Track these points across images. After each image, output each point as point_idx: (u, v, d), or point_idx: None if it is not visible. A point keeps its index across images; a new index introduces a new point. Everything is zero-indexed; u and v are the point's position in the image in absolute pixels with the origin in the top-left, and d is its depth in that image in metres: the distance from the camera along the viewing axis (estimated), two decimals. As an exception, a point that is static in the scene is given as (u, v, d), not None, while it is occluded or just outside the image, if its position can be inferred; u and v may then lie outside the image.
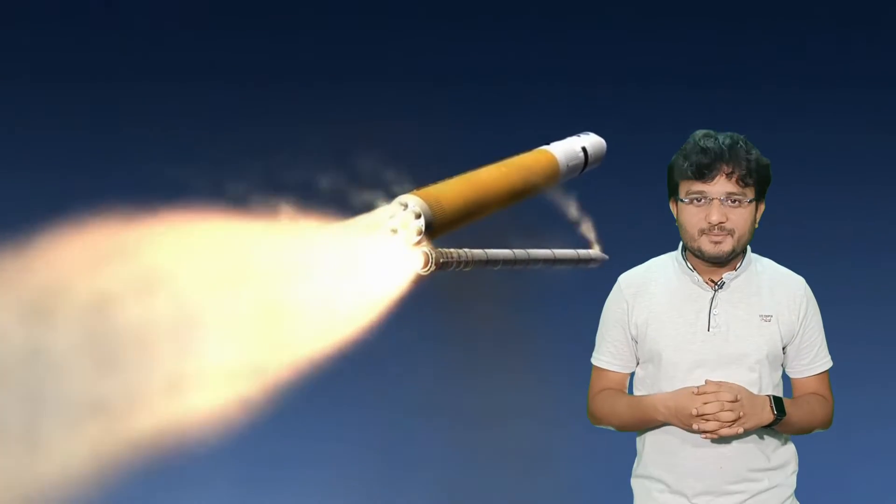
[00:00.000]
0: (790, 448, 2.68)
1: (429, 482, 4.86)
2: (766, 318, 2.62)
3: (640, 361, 2.70)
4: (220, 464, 4.64)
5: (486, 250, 2.34)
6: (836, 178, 5.13)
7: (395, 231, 1.63)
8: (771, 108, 4.94)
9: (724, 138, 2.53)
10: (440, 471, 4.91)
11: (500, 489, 4.78)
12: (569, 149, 2.09)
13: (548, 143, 2.08)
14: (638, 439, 2.72)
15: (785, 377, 2.73)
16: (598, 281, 3.27)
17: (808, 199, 4.96)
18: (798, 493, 2.69)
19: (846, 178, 5.13)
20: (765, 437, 2.60)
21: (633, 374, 2.77)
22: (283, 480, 4.87)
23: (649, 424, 2.63)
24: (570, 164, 2.08)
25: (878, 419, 4.83)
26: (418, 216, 1.62)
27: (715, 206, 2.51)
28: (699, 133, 2.56)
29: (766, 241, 2.83)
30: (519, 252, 2.52)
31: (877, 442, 4.77)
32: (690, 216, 2.55)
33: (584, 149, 2.13)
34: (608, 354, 2.69)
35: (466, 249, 2.24)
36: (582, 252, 3.16)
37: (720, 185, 2.51)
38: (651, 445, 2.67)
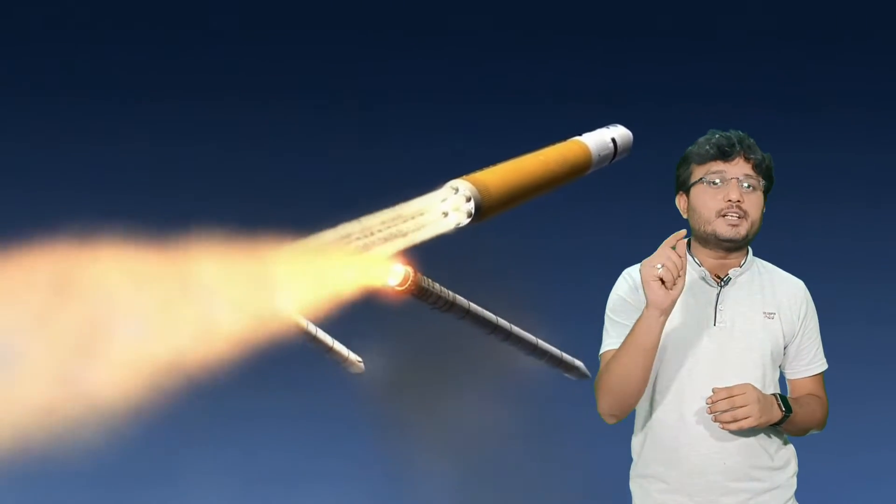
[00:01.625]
0: (790, 449, 2.71)
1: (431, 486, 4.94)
2: (770, 315, 2.66)
3: None
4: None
5: (471, 303, 2.39)
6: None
7: (446, 214, 1.74)
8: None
9: (738, 132, 2.64)
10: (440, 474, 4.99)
11: (495, 495, 4.84)
12: (600, 139, 2.20)
13: (580, 134, 2.19)
14: (635, 439, 2.73)
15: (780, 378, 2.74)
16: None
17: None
18: (798, 494, 2.70)
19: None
20: (768, 435, 2.63)
21: None
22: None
23: (642, 336, 2.50)
24: (601, 153, 2.18)
25: (877, 419, 4.92)
26: (468, 199, 1.73)
27: (733, 185, 2.58)
28: (710, 131, 2.65)
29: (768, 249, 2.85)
30: (503, 322, 2.56)
31: (877, 442, 4.86)
32: (707, 198, 2.60)
33: (613, 139, 2.24)
34: (620, 337, 2.61)
35: (452, 292, 2.30)
36: (567, 356, 3.10)
37: (739, 167, 2.60)
38: (651, 443, 2.67)
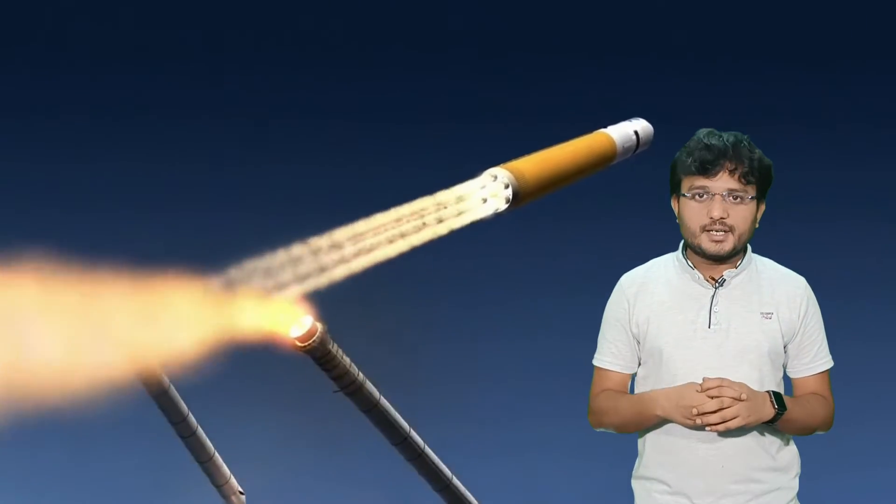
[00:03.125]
0: (793, 449, 2.70)
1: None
2: (767, 315, 2.65)
3: (641, 361, 2.72)
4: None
5: (382, 398, 2.04)
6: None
7: (485, 200, 1.83)
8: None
9: (728, 136, 2.60)
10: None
11: (496, 489, 4.89)
12: (623, 132, 2.28)
13: (605, 127, 2.27)
14: (639, 440, 2.75)
15: (786, 380, 2.74)
16: None
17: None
18: (801, 495, 2.72)
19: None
20: (767, 436, 2.63)
21: (634, 375, 2.78)
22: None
23: (648, 421, 2.65)
24: (625, 145, 2.26)
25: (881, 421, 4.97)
26: (507, 186, 1.82)
27: (717, 201, 2.57)
28: (703, 131, 2.63)
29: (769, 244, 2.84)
30: (416, 437, 2.14)
31: (878, 445, 4.91)
32: (692, 212, 2.61)
33: (636, 132, 2.31)
34: (610, 355, 2.72)
35: (364, 377, 1.99)
36: None
37: (722, 181, 2.57)
38: (652, 445, 2.69)
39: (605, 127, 2.25)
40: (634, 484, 2.78)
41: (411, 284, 4.61)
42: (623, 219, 5.03)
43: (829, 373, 2.76)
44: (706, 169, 2.58)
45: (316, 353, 1.85)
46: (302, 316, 1.80)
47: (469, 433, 5.10)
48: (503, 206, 1.82)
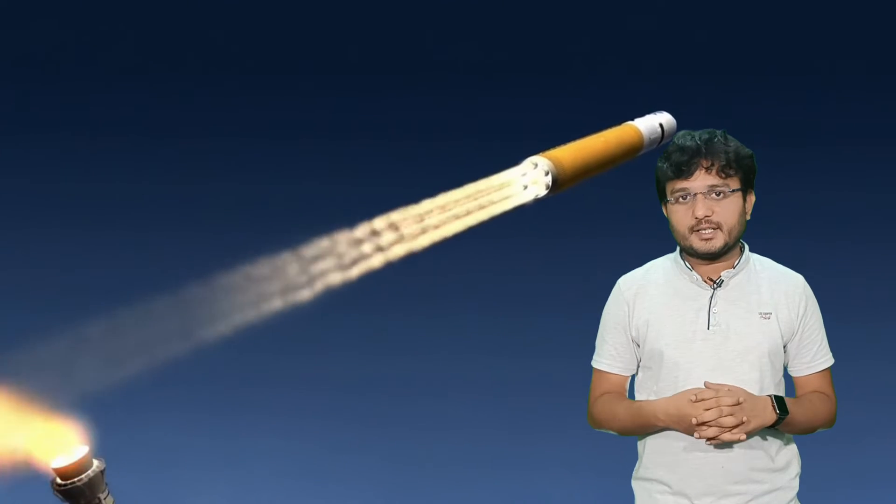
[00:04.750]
0: (792, 449, 2.69)
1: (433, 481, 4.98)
2: (766, 315, 2.63)
3: (640, 363, 2.71)
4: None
5: None
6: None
7: (526, 187, 1.95)
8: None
9: (701, 134, 2.60)
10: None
11: (495, 492, 4.89)
12: (649, 124, 2.39)
13: (632, 119, 2.39)
14: (639, 441, 2.74)
15: (787, 378, 2.73)
16: None
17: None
18: (800, 495, 2.72)
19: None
20: (767, 437, 2.61)
21: (633, 376, 2.76)
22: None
23: (650, 430, 2.63)
24: (651, 137, 2.38)
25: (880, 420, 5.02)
26: (547, 173, 1.94)
27: (699, 200, 2.57)
28: (679, 134, 2.61)
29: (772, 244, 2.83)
30: None
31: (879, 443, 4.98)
32: (678, 215, 2.61)
33: (661, 125, 2.43)
34: (609, 357, 2.70)
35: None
36: None
37: (701, 180, 2.57)
38: (652, 447, 2.68)
39: (633, 120, 2.38)
40: (635, 485, 2.79)
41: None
42: (620, 236, 5.10)
43: (831, 370, 2.76)
44: (682, 171, 2.60)
45: (77, 500, 1.36)
46: (77, 444, 1.38)
47: (468, 443, 5.14)
48: (543, 192, 1.93)
